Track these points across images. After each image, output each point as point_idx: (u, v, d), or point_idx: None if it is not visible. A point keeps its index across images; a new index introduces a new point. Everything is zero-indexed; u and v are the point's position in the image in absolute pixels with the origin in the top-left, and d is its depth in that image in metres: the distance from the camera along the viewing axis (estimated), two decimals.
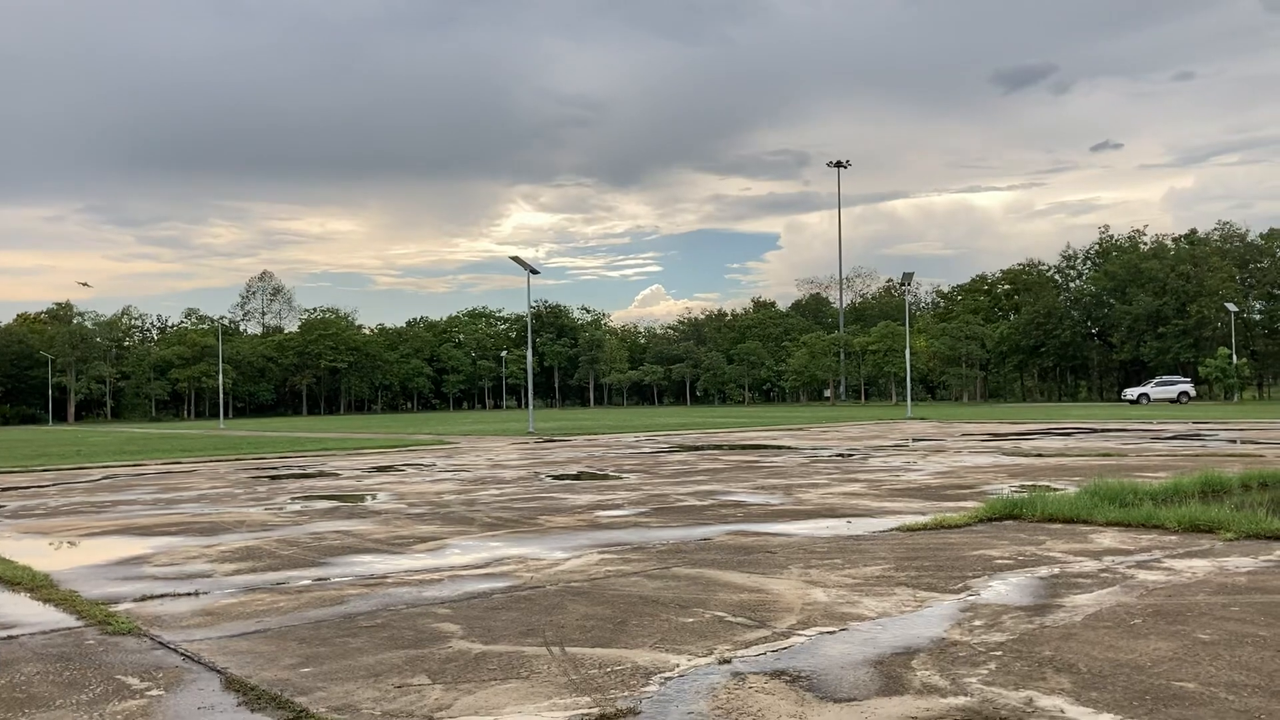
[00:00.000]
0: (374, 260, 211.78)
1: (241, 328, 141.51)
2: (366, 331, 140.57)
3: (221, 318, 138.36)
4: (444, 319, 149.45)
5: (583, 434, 36.58)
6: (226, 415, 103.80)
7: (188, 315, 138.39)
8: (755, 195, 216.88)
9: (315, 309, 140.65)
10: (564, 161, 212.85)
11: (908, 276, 62.37)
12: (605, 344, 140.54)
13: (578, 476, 17.74)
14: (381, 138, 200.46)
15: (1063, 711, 4.31)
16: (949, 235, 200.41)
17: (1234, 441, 24.02)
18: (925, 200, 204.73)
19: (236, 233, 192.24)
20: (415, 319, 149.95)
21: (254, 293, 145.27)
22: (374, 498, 14.64)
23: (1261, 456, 18.38)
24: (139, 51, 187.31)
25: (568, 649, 5.50)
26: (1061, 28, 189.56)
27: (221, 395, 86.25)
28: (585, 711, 4.42)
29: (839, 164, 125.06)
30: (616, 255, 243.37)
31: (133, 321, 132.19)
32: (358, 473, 19.79)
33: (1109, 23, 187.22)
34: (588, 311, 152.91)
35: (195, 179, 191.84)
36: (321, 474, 19.75)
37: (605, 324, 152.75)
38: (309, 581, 7.81)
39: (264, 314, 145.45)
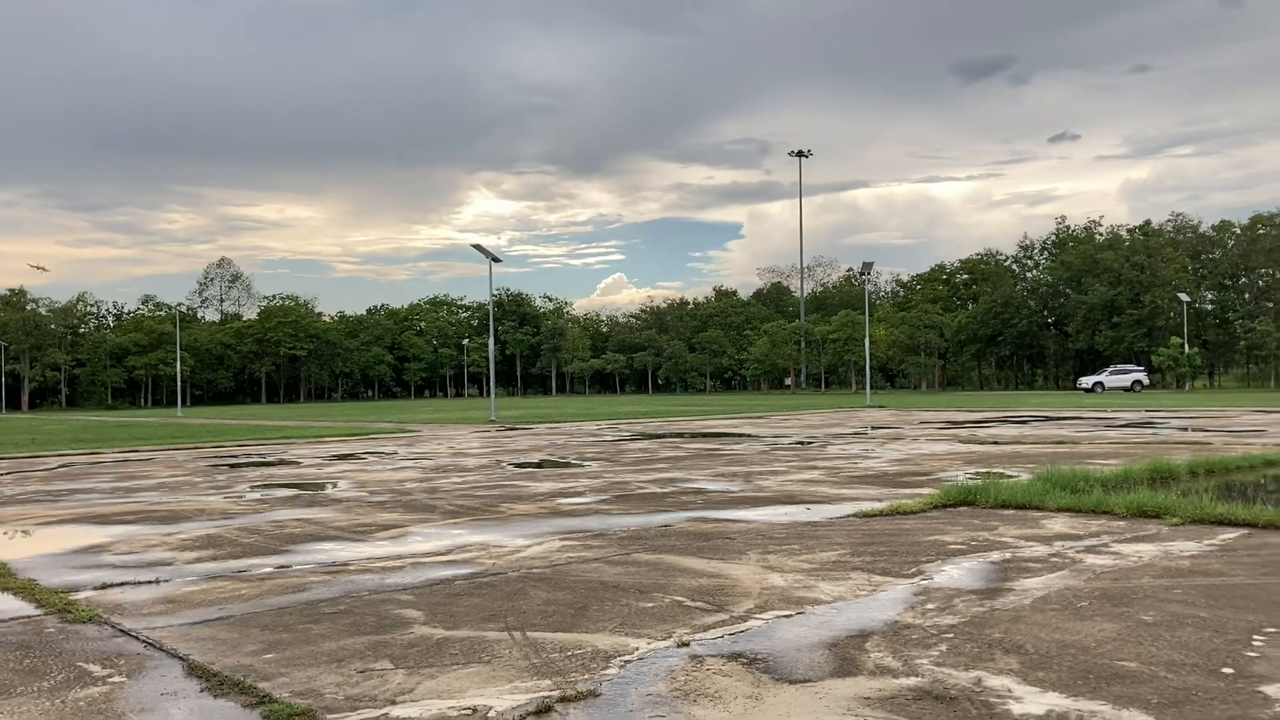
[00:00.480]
0: (334, 247, 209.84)
1: (199, 315, 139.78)
2: (326, 319, 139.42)
3: (179, 304, 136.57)
4: (405, 306, 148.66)
5: (545, 422, 36.61)
6: (184, 403, 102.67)
7: (144, 302, 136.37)
8: (717, 184, 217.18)
9: (274, 296, 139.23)
10: (526, 149, 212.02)
11: (867, 266, 62.81)
12: (567, 332, 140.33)
13: (539, 465, 17.79)
14: (341, 123, 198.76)
15: (1010, 691, 4.44)
16: (909, 225, 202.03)
17: (1184, 429, 24.51)
18: (885, 190, 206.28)
19: (193, 219, 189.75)
20: (376, 306, 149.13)
21: (212, 279, 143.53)
22: (335, 486, 14.62)
23: (1209, 444, 18.78)
24: (94, 34, 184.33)
25: (529, 634, 5.58)
26: (1020, 19, 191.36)
27: (179, 383, 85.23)
28: (546, 694, 4.50)
29: (800, 153, 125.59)
30: (579, 243, 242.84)
31: (88, 308, 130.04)
32: (319, 461, 19.73)
33: (1066, 15, 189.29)
34: (550, 300, 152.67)
35: (150, 164, 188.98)
36: (282, 462, 19.66)
37: (567, 312, 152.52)
38: (271, 569, 7.83)
39: (222, 301, 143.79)
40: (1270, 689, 4.39)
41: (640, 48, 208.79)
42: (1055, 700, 4.30)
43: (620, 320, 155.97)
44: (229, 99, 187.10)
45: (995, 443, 20.66)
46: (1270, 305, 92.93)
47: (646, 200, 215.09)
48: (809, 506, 10.91)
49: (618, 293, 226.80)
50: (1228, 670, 4.67)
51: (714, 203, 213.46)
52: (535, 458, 19.41)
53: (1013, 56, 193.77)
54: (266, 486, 14.67)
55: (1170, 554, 7.60)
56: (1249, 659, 4.83)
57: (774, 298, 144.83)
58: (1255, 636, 5.22)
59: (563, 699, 4.44)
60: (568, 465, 17.43)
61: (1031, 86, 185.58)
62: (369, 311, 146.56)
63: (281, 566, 7.94)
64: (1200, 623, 5.53)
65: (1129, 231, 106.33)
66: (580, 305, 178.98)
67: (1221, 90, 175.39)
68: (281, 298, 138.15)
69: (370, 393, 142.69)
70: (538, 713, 4.28)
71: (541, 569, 7.53)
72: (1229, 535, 8.34)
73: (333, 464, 18.85)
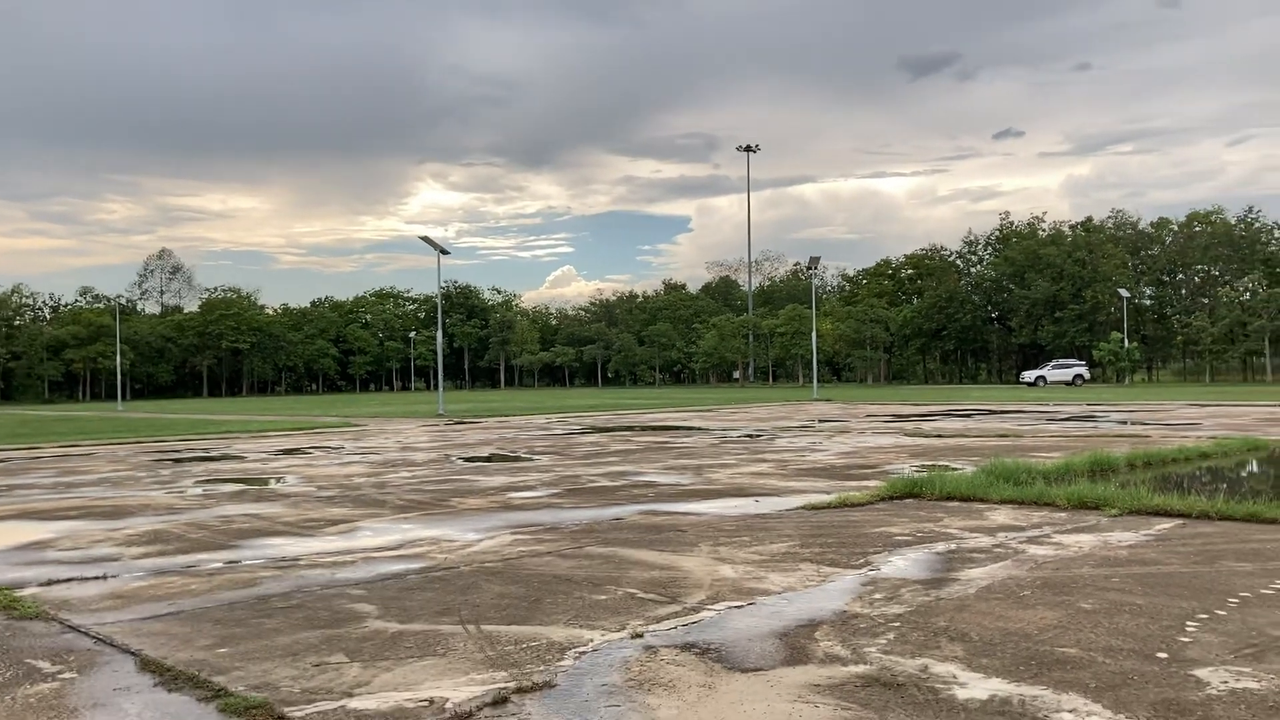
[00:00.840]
0: (277, 239, 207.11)
1: (139, 307, 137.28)
2: (270, 311, 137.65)
3: (118, 296, 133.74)
4: (350, 299, 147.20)
5: (494, 416, 36.51)
6: (124, 397, 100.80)
7: (83, 294, 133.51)
8: (666, 178, 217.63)
9: (216, 288, 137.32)
10: (474, 140, 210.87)
11: (814, 260, 63.35)
12: (516, 325, 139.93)
13: (489, 459, 17.78)
14: (286, 112, 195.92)
15: (955, 677, 4.57)
16: (855, 220, 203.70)
17: (1124, 423, 25.05)
18: (832, 185, 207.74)
19: (132, 209, 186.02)
20: (320, 299, 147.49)
21: (152, 271, 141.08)
22: (282, 481, 14.50)
23: (1148, 437, 19.24)
24: (27, 19, 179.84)
25: (483, 627, 5.62)
26: (966, 16, 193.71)
27: (119, 376, 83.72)
28: (502, 685, 4.55)
29: (748, 148, 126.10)
30: (527, 236, 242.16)
31: (24, 300, 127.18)
32: (264, 455, 19.53)
33: (1011, 13, 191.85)
34: (499, 292, 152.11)
35: (88, 152, 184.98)
36: (226, 457, 19.44)
37: (516, 305, 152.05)
38: (220, 564, 7.78)
39: (163, 293, 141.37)
40: (1202, 671, 4.56)
41: (589, 40, 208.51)
42: (999, 685, 4.43)
43: (569, 313, 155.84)
44: (170, 86, 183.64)
45: (940, 436, 20.99)
46: (1206, 301, 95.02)
47: (595, 193, 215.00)
48: (758, 499, 11.04)
49: (567, 285, 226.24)
50: (1162, 654, 4.83)
51: (663, 196, 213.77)
52: (485, 452, 19.38)
53: (959, 53, 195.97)
54: (212, 481, 14.52)
55: (1109, 544, 7.82)
56: (1182, 644, 5.01)
57: (722, 291, 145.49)
58: (1189, 622, 5.41)
59: (519, 690, 4.49)
60: (518, 459, 17.44)
61: (977, 83, 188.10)
62: (313, 304, 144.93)
63: (231, 562, 7.89)
64: (1137, 610, 5.71)
65: (1071, 228, 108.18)
66: (529, 298, 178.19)
67: (1160, 89, 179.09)
68: (224, 290, 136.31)
69: (315, 387, 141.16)
70: (494, 704, 4.33)
71: (494, 563, 7.56)
72: (1165, 525, 8.59)
73: (278, 459, 18.68)
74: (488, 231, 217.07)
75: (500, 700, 4.36)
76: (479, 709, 4.26)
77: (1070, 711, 4.09)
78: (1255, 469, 14.72)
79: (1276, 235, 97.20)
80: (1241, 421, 24.24)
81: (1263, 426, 22.01)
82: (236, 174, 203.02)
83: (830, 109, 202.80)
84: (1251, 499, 9.72)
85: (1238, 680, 4.43)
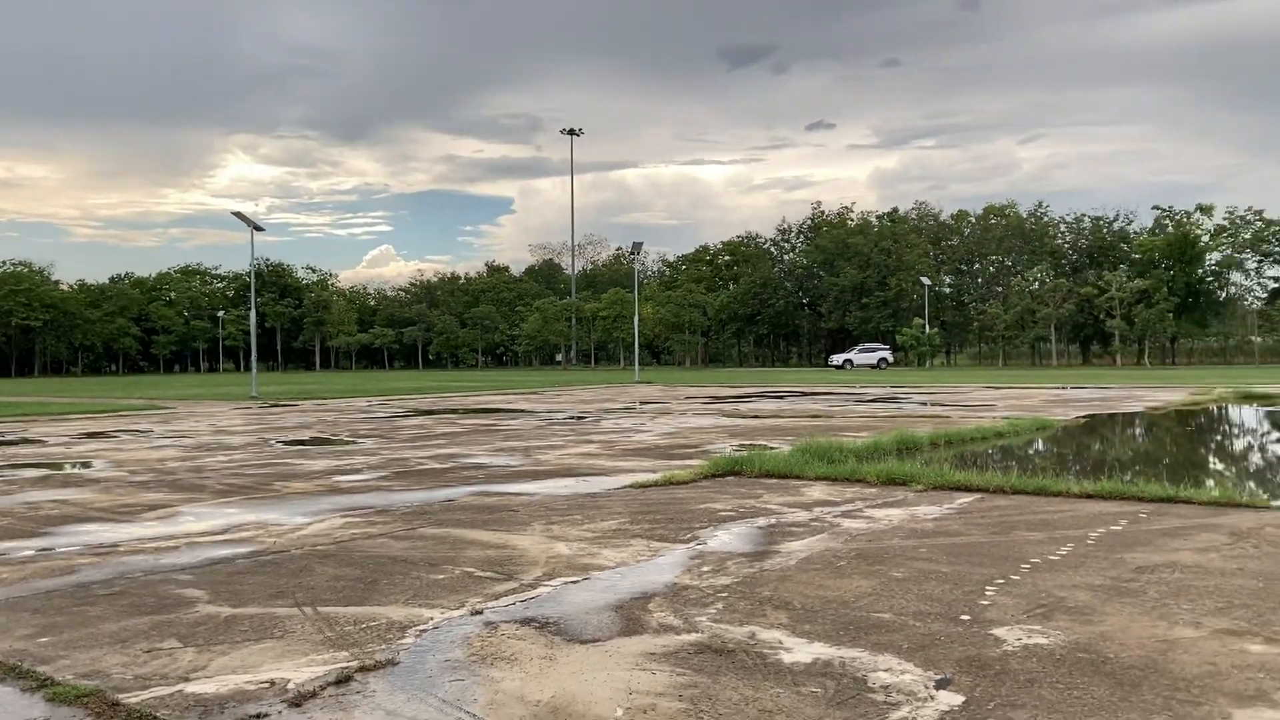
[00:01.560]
0: (71, 210, 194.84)
1: None
2: (65, 287, 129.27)
3: None
4: (153, 275, 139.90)
5: (311, 399, 35.54)
6: None
7: None
8: (488, 158, 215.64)
9: (4, 262, 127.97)
10: (287, 112, 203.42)
11: (637, 246, 64.12)
12: (332, 305, 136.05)
13: (311, 442, 17.38)
14: (81, 76, 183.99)
15: (780, 642, 4.88)
16: (675, 206, 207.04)
17: (925, 404, 26.54)
18: (653, 170, 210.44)
19: None
20: (120, 275, 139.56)
21: None
22: (90, 465, 13.81)
23: (948, 417, 20.47)
24: None
25: (320, 609, 5.61)
26: (782, 9, 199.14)
27: None
28: (344, 665, 4.58)
29: (571, 131, 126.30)
30: (344, 213, 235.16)
31: None
32: (66, 439, 18.50)
33: (824, 8, 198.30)
34: (313, 271, 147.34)
35: None
36: (25, 441, 18.31)
37: (332, 284, 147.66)
38: (32, 552, 7.42)
39: None
40: (1000, 630, 5.01)
41: (409, 12, 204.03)
42: (821, 649, 4.76)
43: (389, 294, 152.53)
44: None
45: (757, 417, 21.74)
46: (1000, 290, 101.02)
47: (415, 171, 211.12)
48: (588, 479, 11.26)
49: (385, 265, 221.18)
50: (965, 617, 5.28)
51: (485, 176, 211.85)
52: (305, 435, 18.93)
53: (775, 45, 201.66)
54: (11, 467, 13.70)
55: (916, 517, 8.38)
56: (983, 606, 5.48)
57: (546, 274, 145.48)
58: (988, 587, 5.90)
59: (362, 669, 4.54)
60: (342, 442, 17.12)
61: (791, 75, 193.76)
62: (113, 280, 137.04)
63: (44, 549, 7.54)
64: (943, 577, 6.19)
65: (878, 218, 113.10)
66: (346, 277, 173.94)
67: (960, 87, 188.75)
68: (13, 263, 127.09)
69: (114, 367, 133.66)
70: (338, 683, 4.36)
71: (326, 545, 7.50)
72: (965, 499, 9.26)
73: (83, 443, 17.73)
74: (301, 208, 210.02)
75: (344, 679, 4.40)
76: (322, 688, 4.29)
77: (886, 670, 4.44)
78: (1043, 446, 15.92)
79: (1063, 229, 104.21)
80: (1030, 403, 26.06)
81: (1049, 408, 23.75)
82: (25, 140, 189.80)
83: (652, 95, 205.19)
84: (1040, 474, 10.57)
85: (1030, 637, 4.90)
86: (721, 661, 4.58)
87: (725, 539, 7.51)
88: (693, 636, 4.98)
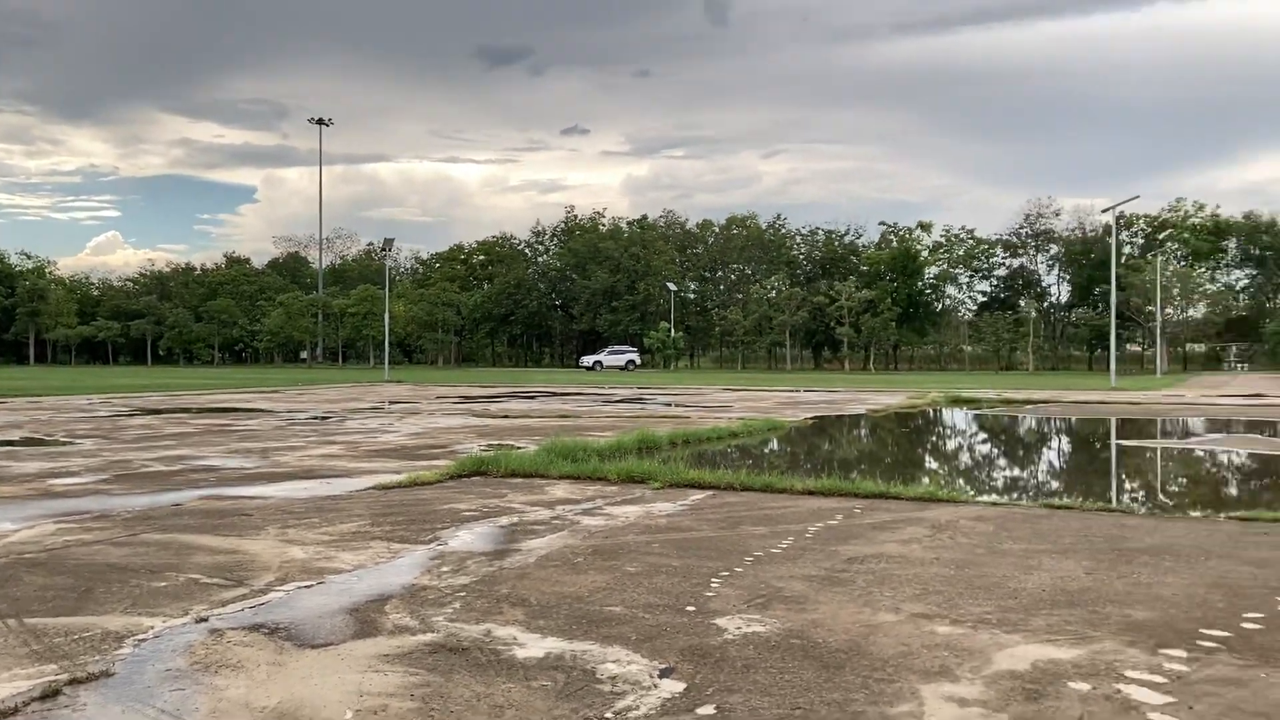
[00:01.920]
0: None
1: None
2: None
3: None
4: None
5: (21, 396, 32.68)
6: None
7: None
8: (229, 143, 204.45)
9: None
10: (1, 85, 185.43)
11: (388, 242, 62.86)
12: (49, 294, 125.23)
13: (21, 443, 16.03)
14: None
15: (515, 639, 4.99)
16: (429, 203, 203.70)
17: (668, 405, 27.44)
18: (407, 166, 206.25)
19: None
20: None
21: None
22: None
23: (688, 418, 21.26)
24: None
25: (26, 620, 5.25)
26: (540, 13, 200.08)
27: None
28: (53, 678, 4.33)
29: (320, 121, 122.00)
30: (65, 195, 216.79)
31: None
32: None
33: (581, 14, 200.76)
34: (28, 257, 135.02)
35: None
36: None
37: (50, 272, 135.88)
38: None
39: None
40: (722, 620, 5.32)
41: None
42: (554, 644, 4.91)
43: (115, 284, 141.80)
44: None
45: (506, 416, 21.82)
46: (740, 297, 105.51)
47: (147, 154, 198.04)
48: (329, 481, 10.99)
49: (112, 253, 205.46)
50: (691, 608, 5.57)
51: (225, 163, 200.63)
52: (14, 435, 17.43)
53: (532, 48, 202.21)
54: None
55: (652, 514, 8.71)
56: (708, 598, 5.79)
57: (291, 268, 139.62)
58: (714, 580, 6.24)
59: (72, 681, 4.30)
60: (56, 443, 15.89)
61: (548, 78, 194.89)
62: None
63: None
64: (673, 571, 6.48)
65: (628, 224, 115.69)
66: (66, 265, 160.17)
67: (709, 101, 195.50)
68: None
69: None
70: (44, 698, 4.12)
71: (35, 553, 6.99)
72: (698, 496, 9.70)
73: None
74: (15, 188, 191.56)
75: (51, 693, 4.16)
76: (25, 704, 4.04)
77: (614, 662, 4.64)
78: (774, 446, 16.85)
79: (799, 241, 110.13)
80: (764, 405, 27.45)
81: (781, 409, 25.10)
82: None
83: (407, 89, 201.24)
84: (768, 472, 11.20)
85: (749, 626, 5.23)
86: (455, 660, 4.64)
87: (467, 539, 7.56)
88: (428, 637, 5.01)
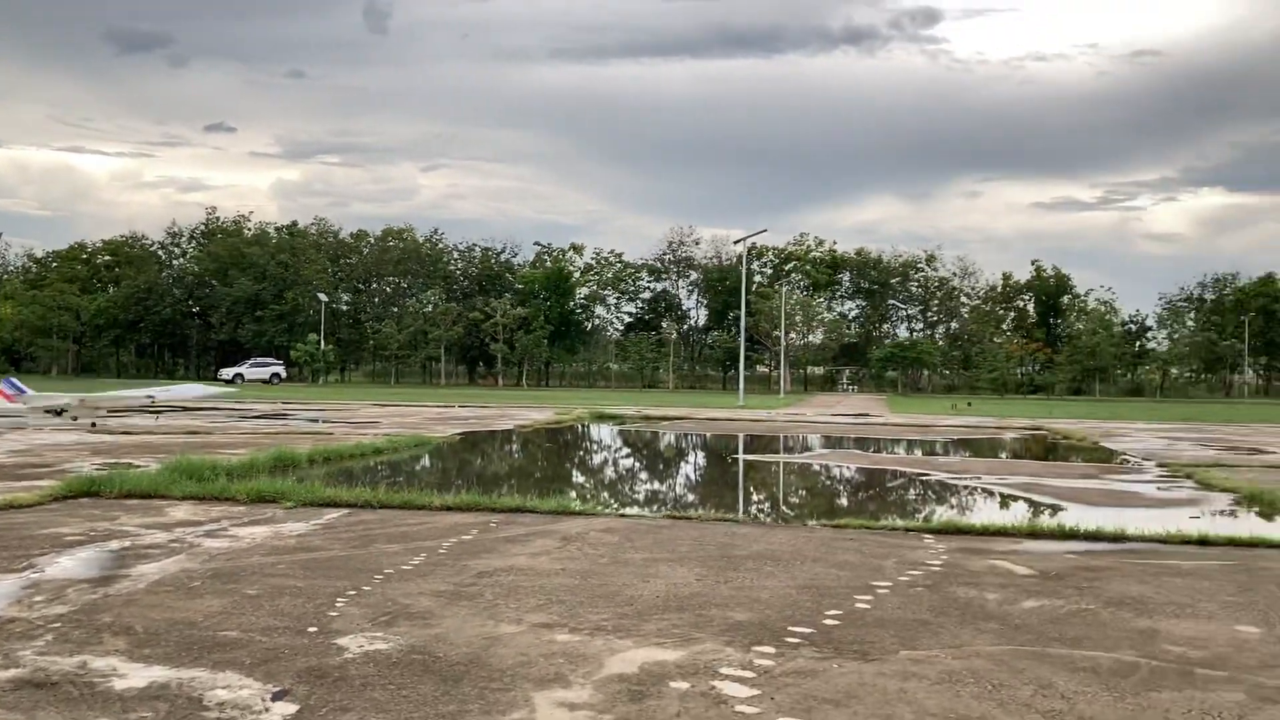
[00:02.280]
0: None
1: None
2: None
3: None
4: None
5: None
6: None
7: None
8: None
9: None
10: None
11: None
12: None
13: None
14: None
15: (115, 669, 4.67)
16: (47, 195, 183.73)
17: (314, 420, 26.48)
18: (21, 153, 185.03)
19: None
20: None
21: None
22: None
23: (331, 434, 20.64)
24: None
25: None
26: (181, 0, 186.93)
27: None
28: None
29: None
30: None
31: None
32: None
33: (228, 7, 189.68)
34: None
35: None
36: None
37: None
38: None
39: None
40: (344, 639, 5.26)
41: None
42: (159, 672, 4.65)
43: None
44: None
45: (127, 433, 20.19)
46: (395, 310, 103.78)
47: None
48: None
49: None
50: (313, 629, 5.46)
51: None
52: None
53: (172, 36, 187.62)
54: None
55: (281, 534, 8.42)
56: (331, 618, 5.70)
57: None
58: (339, 599, 6.15)
59: None
60: None
61: (190, 71, 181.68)
62: None
63: None
64: (297, 591, 6.31)
65: (277, 230, 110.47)
66: None
67: (367, 108, 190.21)
68: None
69: None
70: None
71: None
72: (333, 515, 9.48)
73: None
74: None
75: None
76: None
77: (225, 688, 4.46)
78: (420, 462, 16.74)
79: (456, 256, 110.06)
80: (414, 420, 27.18)
81: (430, 425, 24.96)
82: None
83: (21, 68, 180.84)
84: (409, 489, 11.14)
85: (372, 644, 5.21)
86: (41, 695, 4.29)
87: (68, 565, 6.97)
88: (12, 672, 4.60)
